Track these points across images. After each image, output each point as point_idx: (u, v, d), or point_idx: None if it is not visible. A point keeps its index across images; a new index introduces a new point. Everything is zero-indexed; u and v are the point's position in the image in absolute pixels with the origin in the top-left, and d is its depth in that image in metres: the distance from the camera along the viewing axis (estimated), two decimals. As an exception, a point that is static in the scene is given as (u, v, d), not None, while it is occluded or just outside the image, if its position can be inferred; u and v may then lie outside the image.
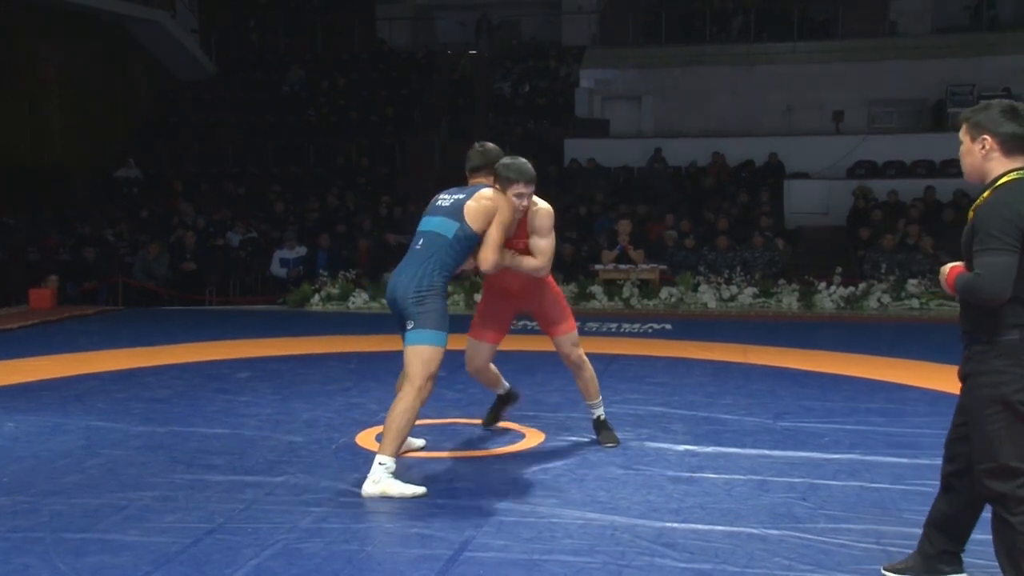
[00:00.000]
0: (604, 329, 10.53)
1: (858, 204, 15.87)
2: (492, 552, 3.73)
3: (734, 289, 12.65)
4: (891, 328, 10.85)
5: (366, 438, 5.53)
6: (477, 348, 5.26)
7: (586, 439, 5.52)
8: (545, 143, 18.98)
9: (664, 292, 12.60)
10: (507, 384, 5.59)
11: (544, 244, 5.00)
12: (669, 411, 6.27)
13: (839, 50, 19.80)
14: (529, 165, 4.92)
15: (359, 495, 4.43)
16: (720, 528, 4.01)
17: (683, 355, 8.66)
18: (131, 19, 19.56)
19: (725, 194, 16.76)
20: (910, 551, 3.69)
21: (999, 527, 3.08)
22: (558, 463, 5.04)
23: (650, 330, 10.48)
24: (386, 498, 4.37)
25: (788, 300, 12.47)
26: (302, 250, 14.59)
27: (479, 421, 5.86)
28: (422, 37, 24.51)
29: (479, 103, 21.28)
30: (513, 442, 5.50)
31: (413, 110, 20.30)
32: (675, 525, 4.04)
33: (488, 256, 4.67)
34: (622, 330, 10.48)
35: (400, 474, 4.55)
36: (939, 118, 18.56)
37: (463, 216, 4.65)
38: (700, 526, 4.03)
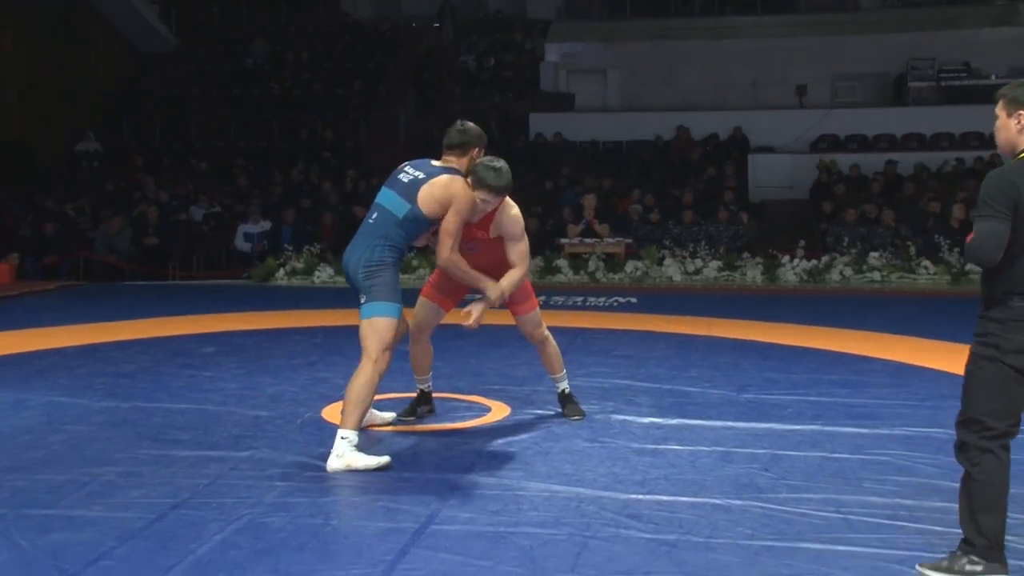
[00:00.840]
0: (570, 303, 10.56)
1: (821, 178, 16.00)
2: (458, 525, 3.75)
3: (699, 263, 12.74)
4: (853, 301, 10.98)
5: (332, 412, 5.52)
6: (426, 307, 5.19)
7: (551, 412, 5.54)
8: (511, 117, 18.93)
9: (630, 266, 12.65)
10: (431, 384, 5.47)
11: (521, 248, 5.00)
12: (634, 384, 6.31)
13: (803, 24, 19.86)
14: (509, 176, 4.78)
15: (324, 470, 4.43)
16: (684, 499, 4.05)
17: (648, 328, 8.71)
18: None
19: (690, 168, 16.81)
20: (871, 520, 3.76)
21: (964, 482, 3.20)
22: (524, 436, 5.06)
23: (615, 304, 10.53)
24: (351, 471, 4.37)
25: (752, 273, 12.57)
26: (266, 224, 14.49)
27: (445, 395, 5.87)
28: (386, 10, 24.27)
29: (445, 77, 21.15)
30: (479, 415, 5.52)
31: (378, 84, 20.15)
32: (640, 497, 4.08)
33: (442, 252, 4.66)
34: (588, 304, 10.53)
35: (366, 447, 4.55)
36: (900, 92, 18.71)
37: (416, 198, 4.60)
38: (665, 497, 4.07)
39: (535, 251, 12.90)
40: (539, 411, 5.60)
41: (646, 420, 5.38)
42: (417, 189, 4.63)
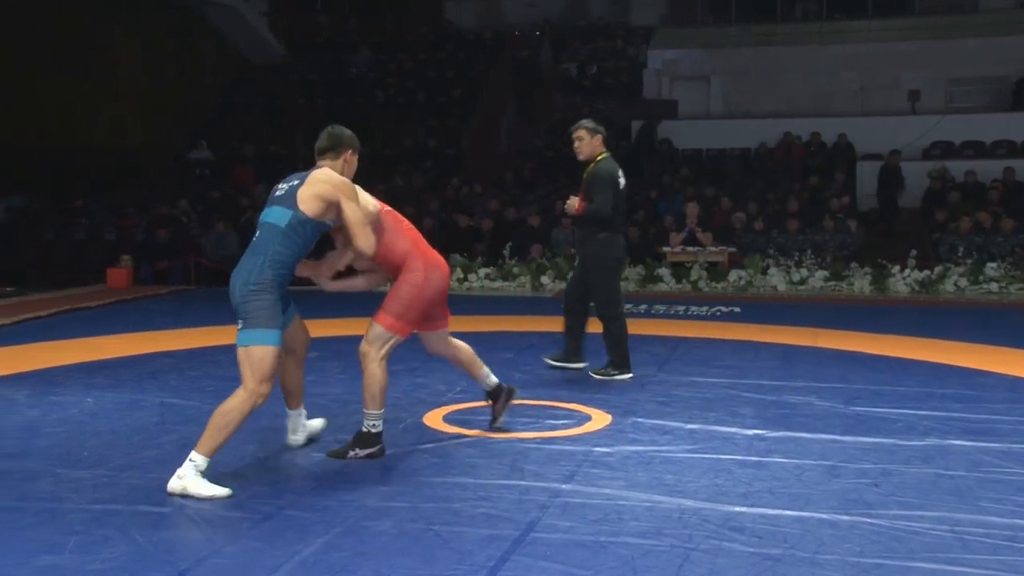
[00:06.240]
0: (672, 312, 10.45)
1: (934, 186, 15.50)
2: (559, 533, 3.73)
3: (804, 272, 12.46)
4: (968, 313, 10.59)
5: (433, 418, 5.57)
6: (429, 341, 5.26)
7: (653, 422, 5.49)
8: (613, 124, 18.86)
9: (733, 275, 12.46)
10: (489, 382, 5.37)
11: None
12: (737, 394, 6.21)
13: (915, 27, 19.32)
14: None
15: (428, 475, 4.46)
16: (789, 513, 3.95)
17: (751, 338, 8.56)
18: (203, 2, 19.86)
19: (795, 175, 16.50)
20: (989, 541, 3.62)
21: None
22: (625, 445, 5.02)
23: (718, 313, 10.38)
24: (188, 496, 4.15)
25: (860, 284, 12.24)
26: (369, 232, 14.70)
27: (547, 403, 5.86)
28: (489, 18, 24.49)
29: (546, 84, 21.20)
30: (580, 424, 5.49)
31: (480, 92, 20.30)
32: (743, 509, 4.00)
33: (362, 242, 4.56)
34: (690, 313, 10.40)
35: (466, 454, 4.56)
36: (1020, 96, 18.02)
37: (296, 202, 4.49)
38: (769, 510, 3.98)
39: (635, 259, 12.85)
40: (640, 420, 5.55)
41: (750, 432, 5.28)
42: (295, 193, 4.51)
